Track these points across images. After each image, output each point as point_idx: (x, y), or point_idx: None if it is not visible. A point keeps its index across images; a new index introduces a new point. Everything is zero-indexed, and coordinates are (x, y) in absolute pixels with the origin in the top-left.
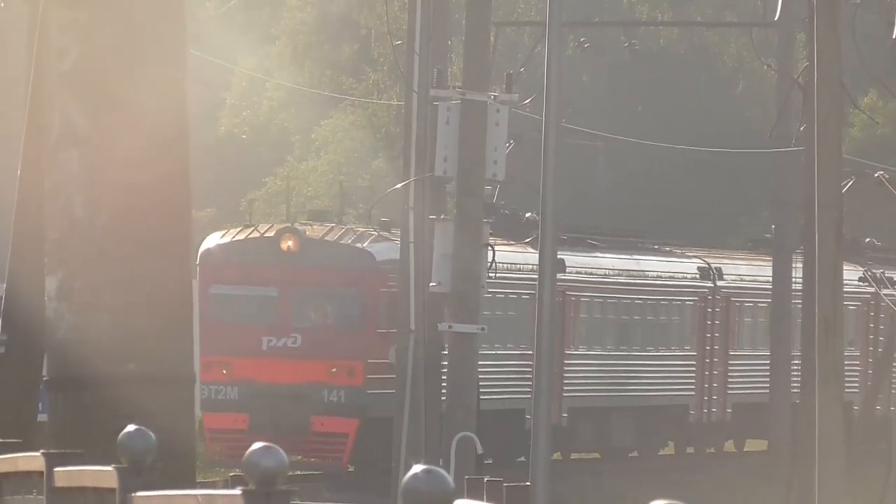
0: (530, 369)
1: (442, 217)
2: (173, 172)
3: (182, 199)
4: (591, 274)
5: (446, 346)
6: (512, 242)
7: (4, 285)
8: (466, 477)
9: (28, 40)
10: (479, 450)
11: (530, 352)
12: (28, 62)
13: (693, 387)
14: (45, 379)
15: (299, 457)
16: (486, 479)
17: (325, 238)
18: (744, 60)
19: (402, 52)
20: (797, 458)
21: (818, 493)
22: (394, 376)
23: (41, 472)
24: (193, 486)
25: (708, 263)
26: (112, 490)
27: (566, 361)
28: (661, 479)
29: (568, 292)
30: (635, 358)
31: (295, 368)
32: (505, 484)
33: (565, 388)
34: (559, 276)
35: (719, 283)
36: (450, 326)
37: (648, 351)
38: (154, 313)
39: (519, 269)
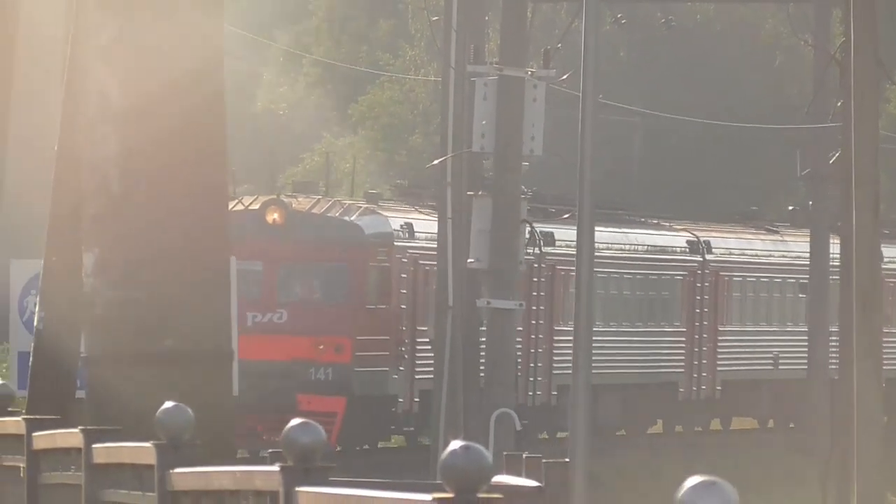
0: (520, 347)
1: (479, 193)
2: (209, 148)
3: (218, 175)
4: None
5: (484, 321)
6: None
7: (42, 262)
8: (505, 453)
9: (65, 14)
10: (518, 426)
11: (520, 328)
12: (65, 37)
13: (682, 364)
14: (82, 355)
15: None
16: (524, 455)
17: (312, 211)
18: (780, 36)
19: (439, 28)
20: (834, 433)
21: (856, 468)
22: (386, 353)
23: (79, 449)
24: (232, 463)
25: (697, 237)
26: (150, 466)
27: (555, 338)
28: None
29: (558, 266)
30: (624, 334)
31: (280, 345)
32: (544, 460)
33: (555, 365)
34: (549, 249)
35: (708, 257)
36: (488, 302)
37: (637, 327)
38: (191, 289)
39: None
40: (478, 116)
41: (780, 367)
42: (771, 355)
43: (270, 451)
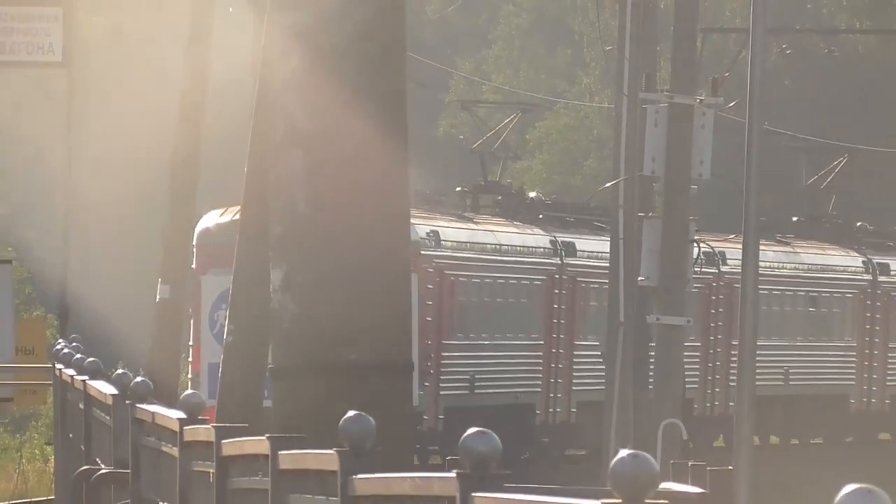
0: (541, 361)
1: (650, 214)
2: (392, 170)
3: (400, 196)
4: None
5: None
6: (518, 224)
7: (231, 278)
8: (672, 461)
9: (254, 41)
10: (685, 436)
11: (542, 342)
12: (254, 63)
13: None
14: (269, 367)
15: None
16: (690, 463)
17: None
18: None
19: (613, 58)
20: None
21: None
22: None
23: (266, 456)
24: (411, 470)
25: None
26: (333, 472)
27: (575, 353)
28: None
29: (578, 278)
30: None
31: None
32: (708, 468)
33: (574, 381)
34: (570, 260)
35: (723, 269)
36: (658, 319)
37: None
38: (374, 304)
39: (531, 253)
40: (649, 141)
41: None
42: None
43: (449, 458)
